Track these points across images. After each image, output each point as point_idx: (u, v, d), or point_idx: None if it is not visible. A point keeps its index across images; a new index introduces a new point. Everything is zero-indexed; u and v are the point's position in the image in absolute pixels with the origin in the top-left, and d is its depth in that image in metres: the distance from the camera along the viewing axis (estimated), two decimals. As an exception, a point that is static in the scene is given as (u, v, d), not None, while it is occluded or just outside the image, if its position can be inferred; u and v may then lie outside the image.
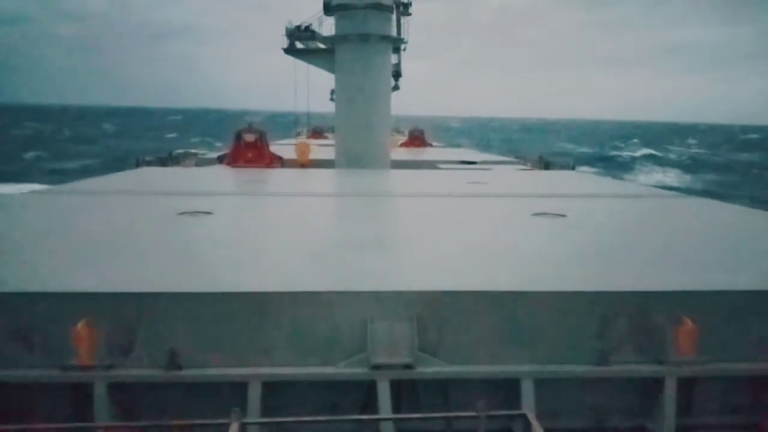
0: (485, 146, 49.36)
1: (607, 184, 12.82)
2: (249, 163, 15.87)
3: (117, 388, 3.88)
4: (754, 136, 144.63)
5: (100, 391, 3.81)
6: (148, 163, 17.31)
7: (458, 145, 34.46)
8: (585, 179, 13.57)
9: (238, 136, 16.56)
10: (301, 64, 18.81)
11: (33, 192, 9.43)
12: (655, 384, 4.10)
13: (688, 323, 4.00)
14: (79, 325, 3.76)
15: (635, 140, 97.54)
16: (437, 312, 4.02)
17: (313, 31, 18.05)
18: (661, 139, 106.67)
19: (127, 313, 3.88)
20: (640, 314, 4.08)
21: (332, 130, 25.82)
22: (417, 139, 34.70)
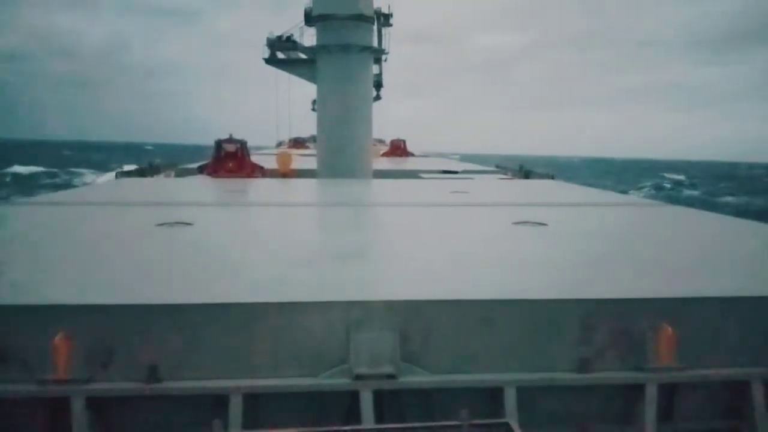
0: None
1: (586, 192, 12.97)
2: (230, 173, 15.79)
3: (95, 402, 3.81)
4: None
5: (77, 405, 3.74)
6: (128, 174, 17.14)
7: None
8: (565, 188, 13.71)
9: (219, 146, 16.46)
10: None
11: (9, 203, 9.28)
12: (636, 391, 4.14)
13: (668, 330, 4.05)
14: (57, 338, 3.69)
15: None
16: (420, 321, 4.02)
17: (295, 42, 18.10)
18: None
19: (106, 326, 3.82)
20: (620, 321, 4.11)
21: (313, 140, 25.83)
22: (398, 148, 34.84)
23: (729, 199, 61.78)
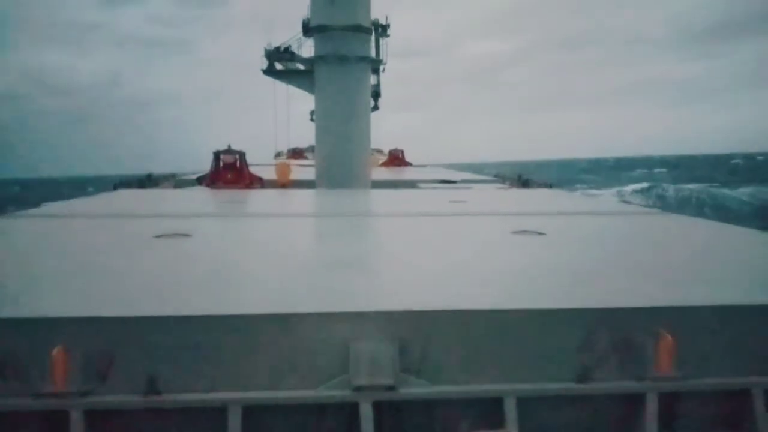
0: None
1: (584, 201, 12.99)
2: (228, 184, 15.79)
3: (94, 415, 3.79)
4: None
5: (76, 418, 3.72)
6: (126, 185, 17.14)
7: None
8: (563, 197, 13.73)
9: (217, 158, 16.47)
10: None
11: (6, 215, 9.26)
12: (637, 400, 4.12)
13: (668, 339, 4.03)
14: (55, 351, 3.68)
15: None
16: (419, 332, 4.00)
17: (293, 53, 18.22)
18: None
19: (105, 338, 3.80)
20: (620, 330, 4.10)
21: (312, 150, 25.88)
22: (397, 158, 34.94)
23: (725, 191, 62.58)
